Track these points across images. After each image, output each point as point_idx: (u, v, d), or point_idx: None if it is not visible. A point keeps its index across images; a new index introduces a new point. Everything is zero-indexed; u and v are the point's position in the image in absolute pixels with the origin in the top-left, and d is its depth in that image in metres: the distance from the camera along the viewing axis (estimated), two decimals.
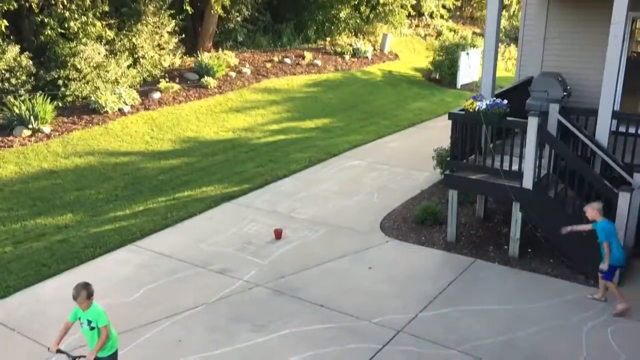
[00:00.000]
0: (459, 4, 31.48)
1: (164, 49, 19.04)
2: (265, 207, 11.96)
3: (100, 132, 15.48)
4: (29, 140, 14.55)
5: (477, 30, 30.48)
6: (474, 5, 33.42)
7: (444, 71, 23.37)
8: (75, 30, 16.79)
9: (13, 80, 15.37)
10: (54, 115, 15.44)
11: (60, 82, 16.11)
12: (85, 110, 16.23)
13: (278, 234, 10.54)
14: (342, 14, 25.40)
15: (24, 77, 15.56)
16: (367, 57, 24.16)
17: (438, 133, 15.32)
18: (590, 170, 9.18)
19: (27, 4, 15.99)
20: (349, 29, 25.85)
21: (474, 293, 8.75)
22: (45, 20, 16.50)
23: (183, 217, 11.47)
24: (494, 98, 9.71)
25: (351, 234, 10.75)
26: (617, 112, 10.02)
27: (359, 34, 26.11)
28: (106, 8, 17.51)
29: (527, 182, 9.18)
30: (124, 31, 18.09)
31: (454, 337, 7.68)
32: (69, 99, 16.27)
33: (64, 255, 9.97)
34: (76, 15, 16.84)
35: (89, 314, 6.13)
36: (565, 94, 11.26)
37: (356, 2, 25.65)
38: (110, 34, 17.54)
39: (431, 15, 29.97)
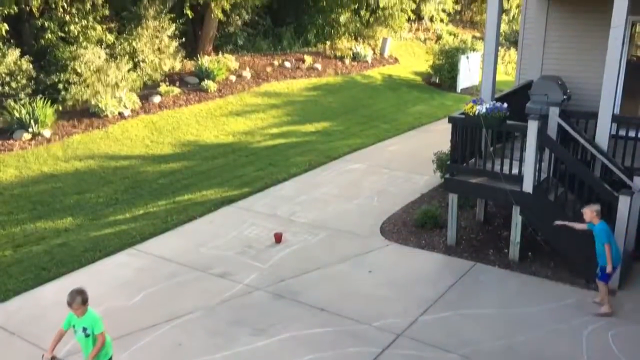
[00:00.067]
0: (458, 8, 31.55)
1: (164, 52, 19.05)
2: (265, 210, 11.96)
3: (101, 135, 15.49)
4: (29, 144, 14.56)
5: (477, 34, 30.53)
6: (474, 9, 33.46)
7: (444, 75, 23.39)
8: (76, 34, 16.83)
9: (13, 84, 15.38)
10: (54, 119, 15.45)
11: (60, 85, 16.13)
12: (85, 114, 16.24)
13: (278, 238, 10.53)
14: (342, 18, 25.43)
15: (24, 81, 15.58)
16: (367, 61, 24.18)
17: (438, 137, 15.32)
18: (590, 173, 9.19)
19: (27, 8, 16.01)
20: (349, 32, 25.89)
21: (474, 297, 8.74)
22: (46, 24, 16.53)
23: (183, 221, 11.46)
24: (494, 102, 9.71)
25: (351, 237, 10.74)
26: (617, 116, 10.03)
27: (359, 38, 26.14)
28: (106, 12, 17.55)
29: (527, 186, 9.18)
30: (124, 35, 18.12)
31: (454, 341, 7.67)
32: (69, 102, 16.28)
33: (64, 259, 9.97)
34: (76, 19, 16.87)
35: (84, 321, 6.04)
36: (565, 97, 11.27)
37: (356, 6, 25.69)
38: (110, 38, 17.57)
39: (431, 19, 30.02)
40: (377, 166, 14.55)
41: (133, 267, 9.73)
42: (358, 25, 26.21)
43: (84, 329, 6.05)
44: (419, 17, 29.59)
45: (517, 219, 9.47)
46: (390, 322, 8.07)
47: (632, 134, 9.78)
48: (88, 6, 16.91)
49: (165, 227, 11.19)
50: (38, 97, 15.36)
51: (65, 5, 16.63)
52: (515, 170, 9.36)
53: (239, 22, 22.94)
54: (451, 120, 9.92)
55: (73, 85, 16.27)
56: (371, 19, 26.69)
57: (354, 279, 9.30)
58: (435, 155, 12.83)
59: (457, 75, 23.00)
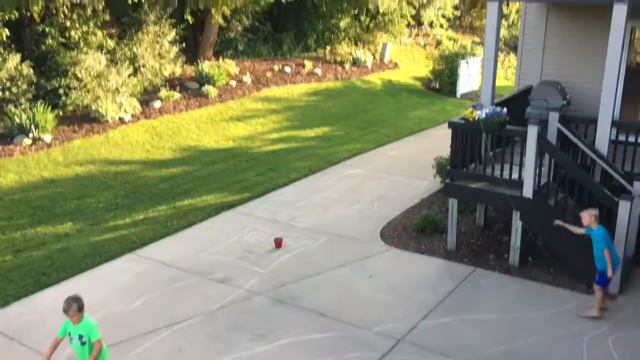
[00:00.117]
0: (458, 13, 31.58)
1: (164, 58, 19.08)
2: (265, 215, 11.96)
3: (101, 140, 15.50)
4: (30, 149, 14.57)
5: (477, 40, 30.56)
6: (474, 14, 33.52)
7: (443, 80, 23.41)
8: (76, 39, 16.86)
9: (14, 89, 15.40)
10: (54, 124, 15.47)
11: (61, 91, 16.15)
12: (85, 119, 16.26)
13: (278, 243, 10.53)
14: (342, 24, 25.48)
15: (24, 86, 15.59)
16: (367, 66, 24.21)
17: (438, 142, 15.33)
18: (590, 178, 9.20)
19: (28, 14, 16.04)
20: (349, 38, 25.93)
21: (475, 302, 8.73)
22: (47, 29, 16.56)
23: (183, 226, 11.46)
24: (494, 107, 9.73)
25: (351, 242, 10.74)
26: (616, 121, 10.05)
27: (358, 43, 26.19)
28: (107, 17, 17.58)
29: (527, 191, 9.18)
30: (125, 40, 18.15)
31: (455, 346, 7.66)
32: (70, 108, 16.29)
33: (64, 264, 9.97)
34: (77, 25, 16.90)
35: (80, 328, 6.02)
36: (564, 102, 11.28)
37: (356, 12, 25.74)
38: (111, 43, 17.60)
39: (431, 25, 30.06)
40: (377, 171, 14.56)
41: (133, 272, 9.72)
42: (358, 30, 26.26)
43: (80, 337, 6.01)
44: (419, 23, 29.63)
45: (517, 224, 9.47)
46: (390, 328, 8.06)
47: (632, 139, 9.79)
48: (89, 12, 16.93)
49: (166, 232, 11.19)
50: (39, 103, 15.37)
51: (66, 11, 16.65)
52: (515, 175, 9.37)
53: (240, 28, 22.99)
54: (451, 125, 9.94)
55: (74, 91, 16.29)
56: (371, 25, 26.74)
57: (354, 284, 9.29)
58: (435, 160, 12.84)
59: (457, 81, 23.02)
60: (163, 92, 18.11)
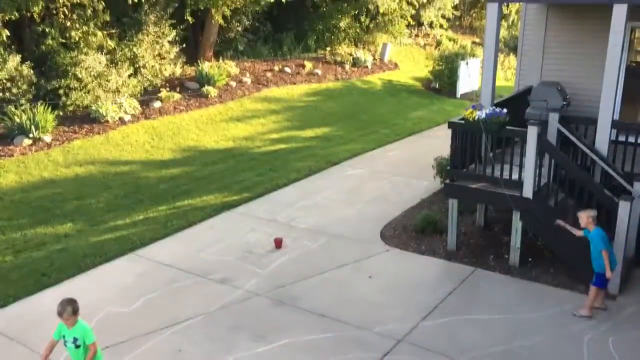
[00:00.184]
0: (458, 13, 31.62)
1: (164, 58, 19.10)
2: (265, 216, 11.96)
3: (101, 141, 15.51)
4: (30, 150, 14.57)
5: (477, 40, 30.60)
6: (473, 15, 33.56)
7: (443, 80, 23.43)
8: (77, 39, 16.86)
9: (14, 90, 15.41)
10: (54, 124, 15.47)
11: (61, 91, 16.17)
12: (86, 119, 16.27)
13: (278, 243, 10.53)
14: (342, 24, 25.50)
15: (25, 87, 15.60)
16: (367, 67, 24.23)
17: (438, 142, 15.34)
18: (590, 179, 9.20)
19: (28, 14, 16.05)
20: (349, 38, 25.95)
21: (475, 302, 8.73)
22: (47, 30, 16.57)
23: (183, 226, 11.46)
24: (494, 107, 9.73)
25: (351, 243, 10.74)
26: (616, 121, 10.05)
27: (358, 44, 26.22)
28: (107, 18, 17.59)
29: (527, 191, 9.18)
30: (125, 41, 18.16)
31: (455, 346, 7.66)
32: (70, 108, 16.31)
33: (64, 264, 9.96)
34: (77, 25, 16.91)
35: (75, 331, 6.01)
36: (564, 103, 11.28)
37: (356, 12, 25.77)
38: (111, 44, 17.61)
39: (431, 25, 30.09)
40: (377, 171, 14.56)
41: (133, 272, 9.72)
42: (358, 31, 26.29)
43: (75, 340, 6.00)
44: (419, 23, 29.66)
45: (517, 224, 9.47)
46: (390, 328, 8.06)
47: (631, 139, 9.79)
48: (89, 12, 16.94)
49: (166, 232, 11.19)
50: (39, 103, 15.38)
51: (66, 11, 16.67)
52: (515, 176, 9.37)
53: (240, 28, 23.00)
54: (451, 125, 9.94)
55: (74, 91, 16.30)
56: (371, 25, 26.77)
57: (354, 284, 9.29)
58: (435, 161, 12.84)
59: (456, 81, 23.04)
60: (163, 93, 18.13)
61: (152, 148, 15.69)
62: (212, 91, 18.87)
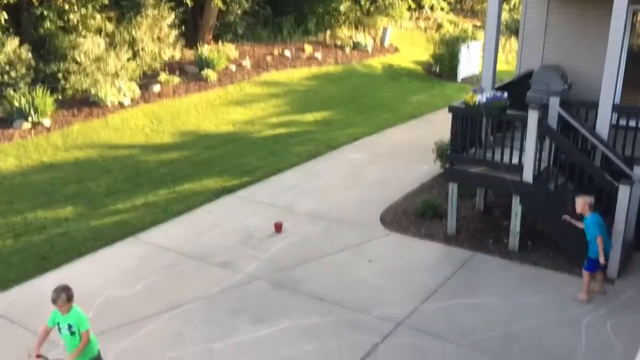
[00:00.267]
0: None
1: (163, 41, 18.98)
2: (265, 200, 11.96)
3: (100, 125, 15.47)
4: (29, 134, 14.54)
5: (478, 23, 30.38)
6: None
7: (444, 64, 23.31)
8: (75, 22, 16.76)
9: (13, 73, 15.34)
10: (53, 108, 15.42)
11: (60, 75, 16.09)
12: (85, 103, 16.21)
13: (278, 227, 10.54)
14: (342, 7, 25.31)
15: (23, 70, 15.53)
16: (367, 50, 24.09)
17: (438, 126, 15.28)
18: (590, 163, 9.18)
19: None
20: (349, 22, 25.77)
21: (474, 286, 8.76)
22: (45, 12, 16.46)
23: (183, 210, 11.47)
24: (495, 91, 9.70)
25: (351, 227, 10.75)
26: (617, 105, 10.01)
27: (359, 27, 26.04)
28: (106, 0, 17.46)
29: (527, 175, 9.18)
30: (124, 24, 18.04)
31: (454, 330, 7.70)
32: (69, 92, 16.25)
33: (64, 248, 9.98)
34: (76, 8, 16.80)
35: (70, 318, 5.97)
36: (565, 87, 11.24)
37: None
38: (109, 27, 17.50)
39: (432, 8, 29.86)
40: (377, 155, 14.55)
41: (133, 256, 9.75)
42: (358, 14, 26.09)
43: (69, 327, 5.96)
44: (420, 6, 29.44)
45: (517, 208, 9.48)
46: (390, 312, 8.10)
47: (632, 123, 9.77)
48: None
49: (166, 216, 11.20)
50: (37, 86, 15.31)
51: None
52: (515, 160, 9.36)
53: (239, 11, 22.82)
54: (451, 109, 9.90)
55: (72, 75, 16.23)
56: (372, 8, 26.57)
57: (354, 268, 9.32)
58: (436, 145, 12.81)
59: (457, 65, 22.92)
60: (162, 76, 18.04)
61: (152, 132, 15.66)
62: (211, 75, 18.78)
